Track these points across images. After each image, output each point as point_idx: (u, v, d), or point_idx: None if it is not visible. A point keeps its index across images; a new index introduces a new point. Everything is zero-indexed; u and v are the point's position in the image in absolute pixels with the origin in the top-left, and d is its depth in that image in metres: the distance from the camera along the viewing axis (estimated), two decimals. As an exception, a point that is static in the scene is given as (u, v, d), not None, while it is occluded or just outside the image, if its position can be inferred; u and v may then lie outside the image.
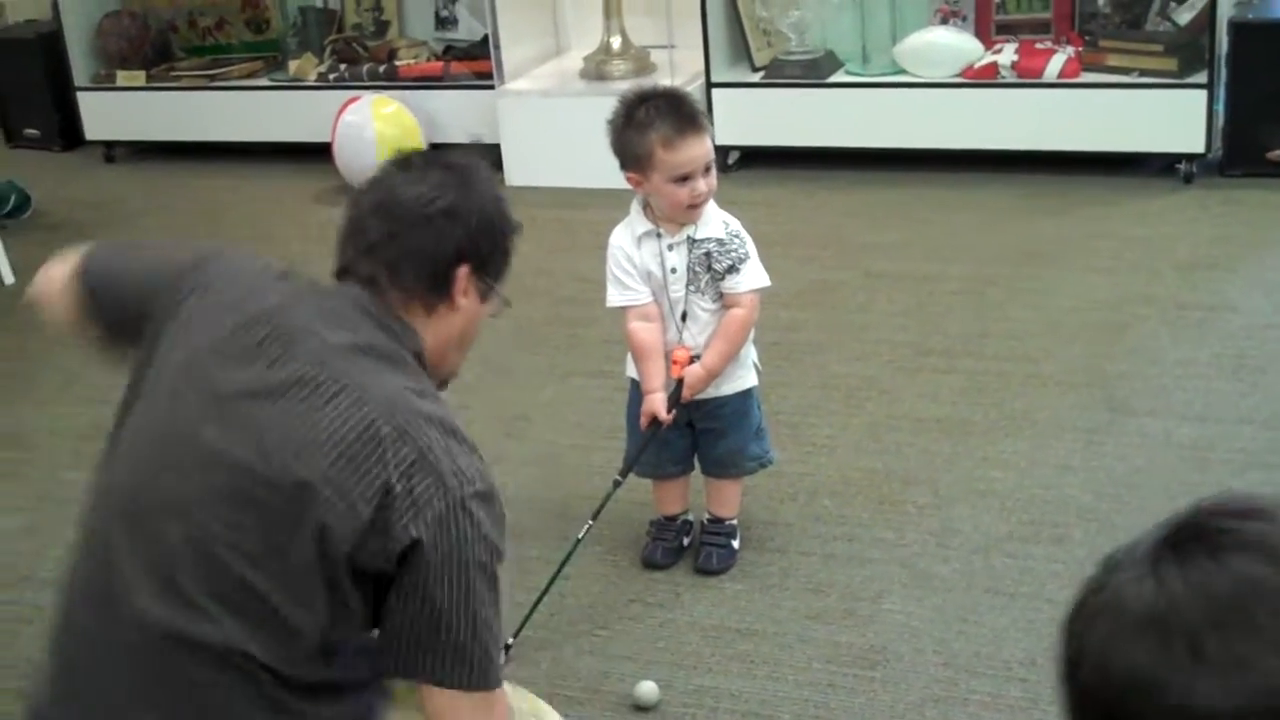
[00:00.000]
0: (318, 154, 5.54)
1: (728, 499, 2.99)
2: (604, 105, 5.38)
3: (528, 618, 2.70)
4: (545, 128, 5.39)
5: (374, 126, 5.36)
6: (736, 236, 2.80)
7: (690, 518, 3.05)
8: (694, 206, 2.73)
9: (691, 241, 2.77)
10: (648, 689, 2.55)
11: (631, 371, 2.88)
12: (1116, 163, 4.91)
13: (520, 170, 5.43)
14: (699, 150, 2.70)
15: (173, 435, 1.73)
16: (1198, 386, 3.51)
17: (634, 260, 2.79)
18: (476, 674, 1.72)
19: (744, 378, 2.89)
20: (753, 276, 2.79)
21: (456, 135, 5.63)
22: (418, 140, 5.48)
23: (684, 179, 2.70)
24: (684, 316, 2.80)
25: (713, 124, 5.12)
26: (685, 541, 3.03)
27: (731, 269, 2.77)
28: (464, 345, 1.99)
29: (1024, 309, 4.02)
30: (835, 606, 2.79)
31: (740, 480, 2.98)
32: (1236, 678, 0.83)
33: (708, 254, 2.77)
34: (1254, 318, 3.86)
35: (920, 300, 4.12)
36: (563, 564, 2.76)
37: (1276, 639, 0.84)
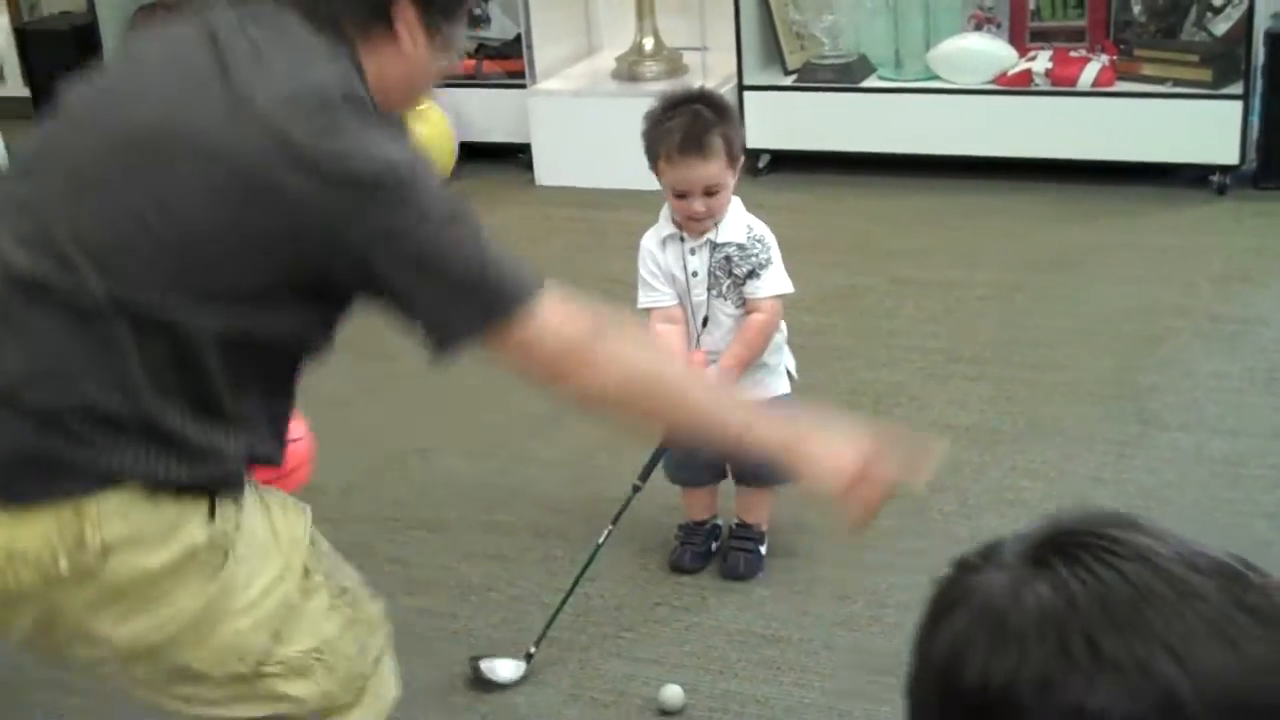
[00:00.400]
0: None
1: (758, 506, 2.99)
2: (636, 106, 5.38)
3: (551, 621, 2.70)
4: (576, 128, 5.39)
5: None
6: (759, 241, 2.79)
7: (719, 522, 3.05)
8: (691, 220, 2.75)
9: (712, 245, 2.77)
10: (673, 693, 2.55)
11: None
12: (1149, 173, 4.89)
13: (550, 170, 5.43)
14: (697, 173, 2.70)
15: (96, 106, 1.70)
16: (1230, 400, 3.49)
17: (659, 262, 2.81)
18: (510, 290, 1.72)
19: (775, 385, 2.88)
20: (774, 282, 2.79)
21: (488, 134, 5.64)
22: (450, 138, 5.49)
23: (683, 195, 2.72)
24: (705, 321, 2.80)
25: (743, 127, 5.16)
26: (713, 546, 3.02)
27: (752, 274, 2.76)
28: (409, 93, 1.85)
29: (1054, 317, 4.00)
30: (861, 613, 2.78)
31: (772, 489, 2.97)
32: (1136, 679, 0.83)
33: (728, 258, 2.77)
34: (1287, 331, 3.84)
35: (948, 307, 4.11)
36: (584, 568, 2.77)
37: (1170, 644, 0.84)
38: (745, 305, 2.79)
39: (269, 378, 1.76)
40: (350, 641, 1.84)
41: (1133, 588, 0.86)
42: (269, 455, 1.80)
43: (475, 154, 5.59)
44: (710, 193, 2.71)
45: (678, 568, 2.97)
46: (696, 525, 3.02)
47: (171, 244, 1.60)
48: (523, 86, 5.51)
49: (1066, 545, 0.89)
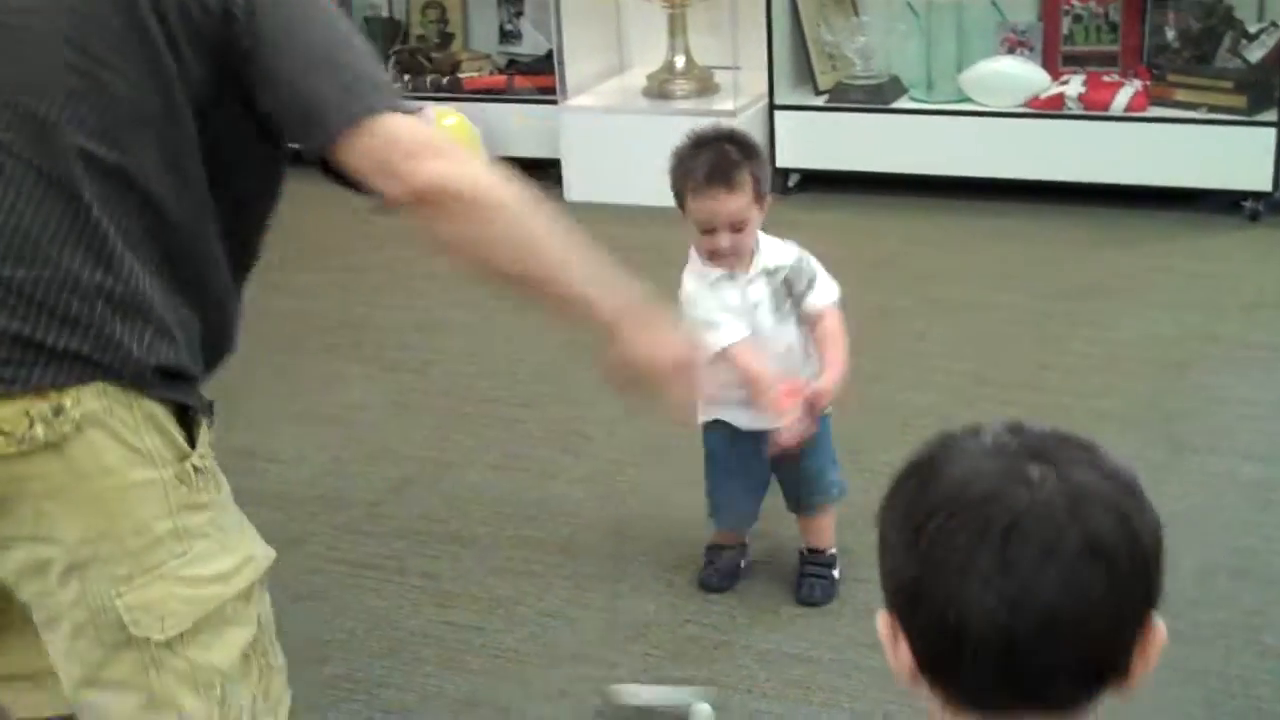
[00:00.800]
0: (379, 163, 5.56)
1: (823, 529, 2.96)
2: (666, 124, 5.41)
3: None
4: (607, 145, 5.40)
5: (436, 138, 5.38)
6: (804, 257, 2.79)
7: (746, 541, 3.05)
8: (714, 257, 2.70)
9: (768, 272, 2.74)
10: (704, 713, 2.54)
11: (705, 415, 2.81)
12: (1180, 198, 4.88)
13: (580, 186, 5.44)
14: (724, 206, 2.65)
15: None
16: (1261, 428, 3.48)
17: (715, 300, 2.72)
18: (386, 83, 1.68)
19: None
20: (830, 287, 2.80)
21: (518, 149, 5.65)
22: (480, 152, 5.50)
23: (709, 230, 2.69)
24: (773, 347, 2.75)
25: (774, 147, 5.17)
26: (742, 564, 3.02)
27: (810, 286, 2.76)
28: None
29: (1084, 343, 3.99)
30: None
31: (831, 510, 2.94)
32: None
33: (787, 280, 2.75)
34: (1320, 360, 3.83)
35: (979, 329, 4.11)
36: None
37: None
38: (809, 319, 2.78)
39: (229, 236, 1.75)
40: (248, 695, 1.72)
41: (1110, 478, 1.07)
42: (226, 348, 1.79)
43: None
44: (736, 229, 2.67)
45: (707, 587, 2.97)
46: (723, 548, 3.02)
47: (86, 73, 1.56)
48: (553, 102, 5.52)
49: (1043, 449, 1.06)
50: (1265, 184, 4.73)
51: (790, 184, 5.25)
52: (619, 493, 3.36)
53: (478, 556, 3.14)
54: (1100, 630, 1.02)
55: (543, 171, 5.55)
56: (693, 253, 2.79)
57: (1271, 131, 4.69)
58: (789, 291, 2.76)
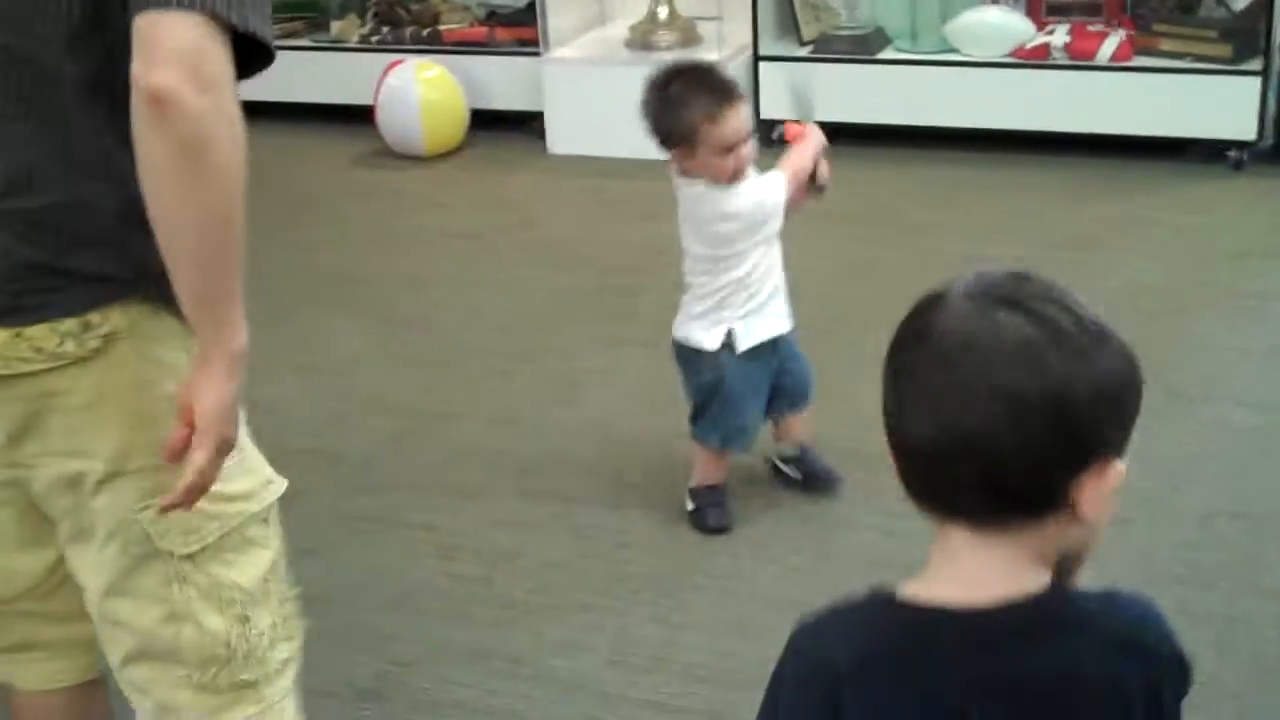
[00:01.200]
0: (359, 116, 5.53)
1: (809, 422, 3.08)
2: (649, 74, 5.38)
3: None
4: (590, 97, 5.36)
5: (418, 90, 5.35)
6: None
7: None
8: (736, 176, 2.76)
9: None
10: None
11: (712, 343, 2.88)
12: (1166, 148, 4.89)
13: (564, 139, 5.41)
14: (741, 121, 2.74)
15: None
16: (1255, 374, 3.50)
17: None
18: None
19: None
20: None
21: (500, 102, 5.61)
22: (461, 105, 5.46)
23: (729, 149, 2.72)
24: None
25: (758, 98, 5.16)
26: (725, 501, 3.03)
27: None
28: None
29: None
30: (899, 580, 2.77)
31: (809, 407, 3.07)
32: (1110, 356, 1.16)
33: None
34: (1309, 307, 3.85)
35: (970, 280, 4.11)
36: None
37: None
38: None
39: None
40: (268, 619, 1.73)
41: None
42: None
43: (487, 122, 5.57)
44: (749, 138, 2.76)
45: (717, 528, 2.97)
46: (710, 489, 3.01)
47: None
48: (535, 54, 5.48)
49: (1010, 295, 1.14)
50: (1250, 133, 4.74)
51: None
52: (614, 443, 3.36)
53: (478, 509, 3.13)
54: (1013, 463, 1.11)
55: (525, 124, 5.53)
56: (693, 187, 2.81)
57: (1256, 81, 4.70)
58: None
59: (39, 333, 1.53)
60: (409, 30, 5.78)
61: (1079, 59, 4.91)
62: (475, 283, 4.29)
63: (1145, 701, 1.18)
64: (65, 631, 1.81)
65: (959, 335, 1.14)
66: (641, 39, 5.48)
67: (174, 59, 1.41)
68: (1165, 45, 4.89)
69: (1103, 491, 1.14)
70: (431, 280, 4.34)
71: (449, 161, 5.42)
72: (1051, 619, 1.17)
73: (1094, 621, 1.19)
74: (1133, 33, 4.97)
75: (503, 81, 5.60)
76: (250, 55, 1.48)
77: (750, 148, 2.77)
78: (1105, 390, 1.15)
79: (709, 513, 2.99)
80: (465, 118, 5.50)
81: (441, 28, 5.78)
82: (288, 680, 1.77)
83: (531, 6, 5.54)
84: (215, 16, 1.42)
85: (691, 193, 2.83)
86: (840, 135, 5.15)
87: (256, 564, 1.71)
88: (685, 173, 2.81)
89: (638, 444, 3.33)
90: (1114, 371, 1.16)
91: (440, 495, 3.19)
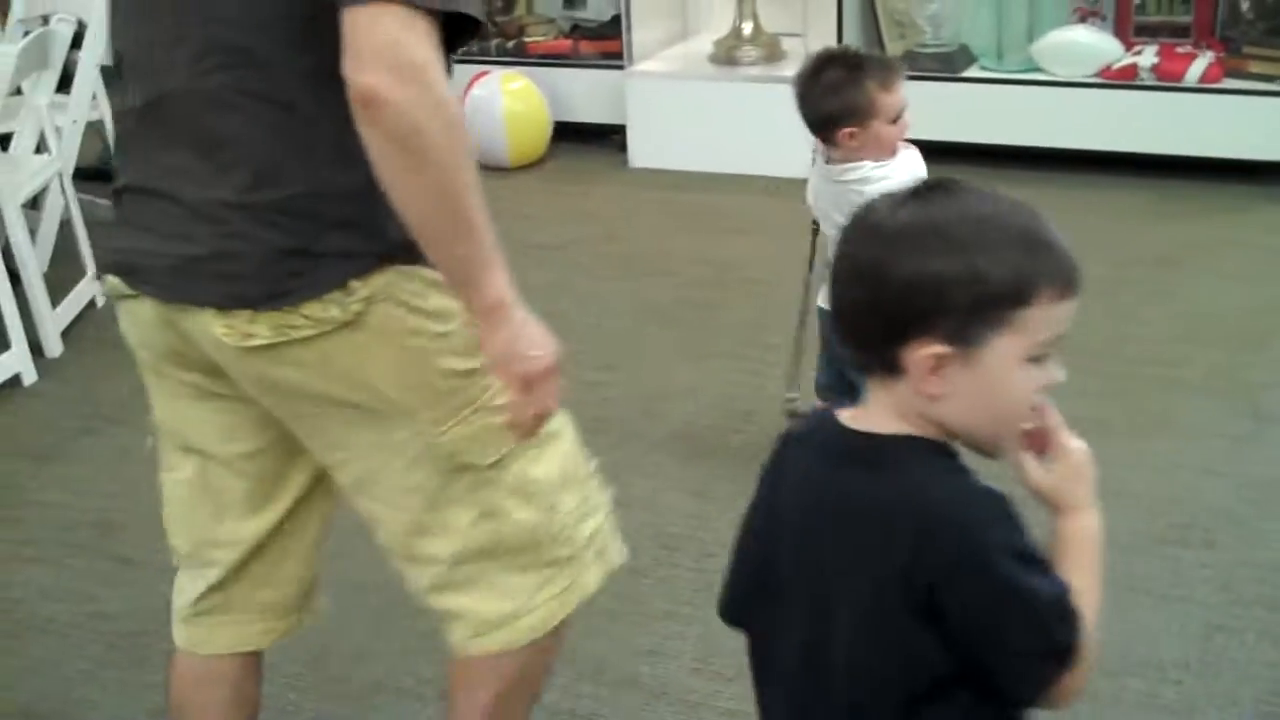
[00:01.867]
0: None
1: None
2: (732, 91, 5.43)
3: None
4: (673, 111, 5.40)
5: (502, 101, 5.40)
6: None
7: None
8: (897, 143, 2.89)
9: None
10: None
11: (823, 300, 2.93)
12: (1254, 171, 4.85)
13: (644, 152, 5.45)
14: (903, 88, 2.89)
15: None
16: (1345, 400, 3.47)
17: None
18: None
19: None
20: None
21: (583, 114, 5.66)
22: (545, 117, 5.51)
23: (898, 118, 2.86)
24: None
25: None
26: None
27: None
28: None
29: (1159, 314, 3.98)
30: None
31: None
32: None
33: None
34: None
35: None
36: None
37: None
38: None
39: None
40: (572, 501, 1.86)
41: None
42: None
43: (569, 134, 5.61)
44: None
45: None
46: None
47: None
48: (619, 68, 5.52)
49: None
50: (1338, 156, 4.70)
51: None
52: (700, 455, 3.37)
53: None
54: (853, 325, 1.35)
55: (607, 137, 5.57)
56: (858, 169, 2.88)
57: (1347, 104, 4.66)
58: None
59: (306, 306, 1.65)
60: (494, 42, 5.83)
61: (1168, 80, 4.88)
62: (560, 293, 4.32)
63: (903, 576, 1.29)
64: (271, 595, 1.97)
65: (870, 224, 1.35)
66: (725, 54, 5.50)
67: (375, 56, 1.49)
68: (1255, 68, 4.85)
69: (920, 368, 1.29)
70: (517, 289, 4.36)
71: (532, 173, 5.46)
72: (875, 457, 1.35)
73: (906, 483, 1.33)
74: (1222, 55, 4.94)
75: (586, 94, 5.65)
76: (459, 26, 1.57)
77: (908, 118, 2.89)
78: (923, 278, 1.27)
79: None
80: (549, 129, 5.55)
81: (526, 40, 5.83)
82: (595, 549, 1.91)
83: (616, 20, 5.58)
84: (411, 4, 1.48)
85: (856, 174, 2.89)
86: (923, 153, 5.20)
87: (555, 455, 1.84)
88: (849, 155, 2.89)
89: (723, 456, 3.34)
90: (949, 268, 1.27)
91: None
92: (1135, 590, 2.77)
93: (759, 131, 5.23)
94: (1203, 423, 3.39)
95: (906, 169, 2.87)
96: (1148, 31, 5.17)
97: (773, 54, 5.48)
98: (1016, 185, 5.14)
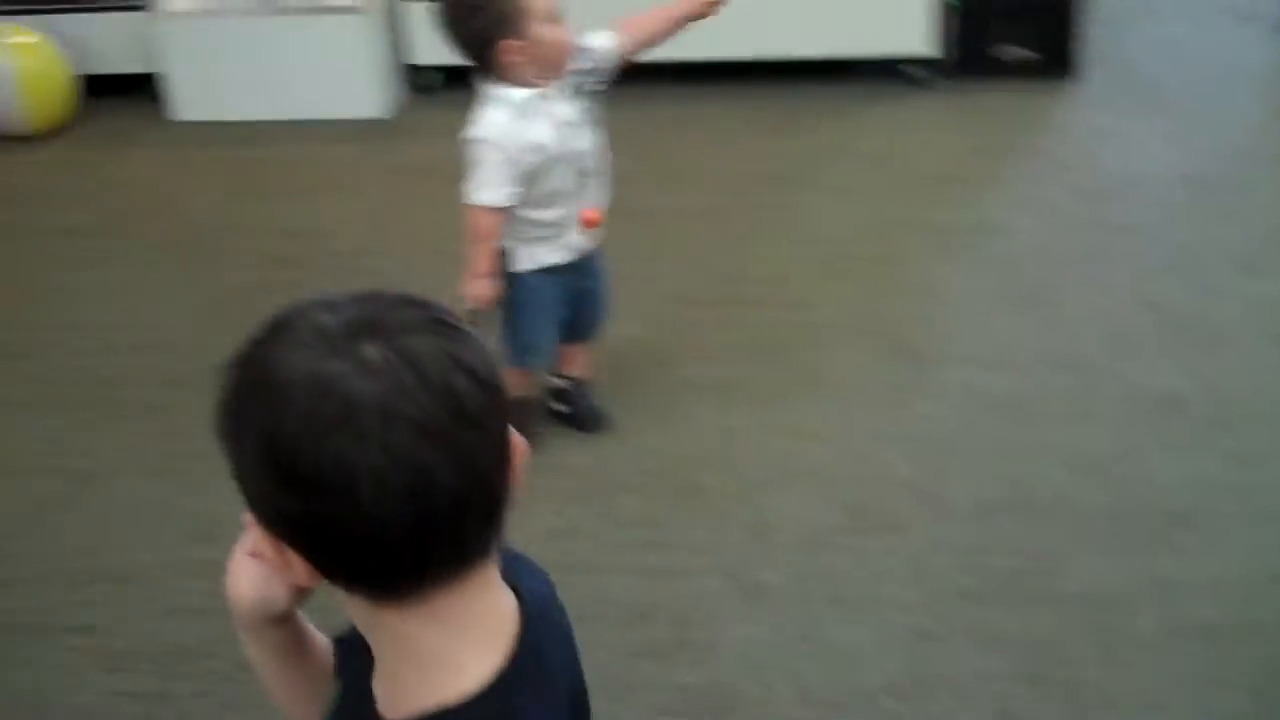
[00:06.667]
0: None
1: (589, 360, 3.00)
2: (281, 26, 4.79)
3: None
4: (213, 53, 4.73)
5: (12, 61, 4.60)
6: (581, 43, 2.66)
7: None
8: (563, 57, 2.59)
9: (574, 78, 2.64)
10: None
11: (529, 264, 2.70)
12: (844, 70, 4.61)
13: (190, 104, 4.78)
14: None
15: None
16: (988, 326, 3.26)
17: (515, 150, 2.56)
18: None
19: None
20: (600, 33, 2.70)
21: (113, 64, 4.92)
22: (65, 73, 4.75)
23: (556, 17, 2.54)
24: (586, 170, 2.68)
25: (399, 46, 4.64)
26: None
27: (602, 60, 2.67)
28: None
29: (777, 244, 3.69)
30: (666, 637, 2.39)
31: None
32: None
33: (589, 75, 2.66)
34: (1024, 238, 3.63)
35: (663, 239, 3.73)
36: None
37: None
38: (624, 56, 2.71)
39: None
40: None
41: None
42: None
43: (101, 88, 4.86)
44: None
45: (593, 424, 2.96)
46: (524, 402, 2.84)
47: None
48: (141, 8, 4.79)
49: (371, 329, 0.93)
50: (930, 49, 4.50)
51: (434, 84, 4.73)
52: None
53: (141, 598, 2.59)
54: (497, 477, 0.97)
55: (141, 89, 4.86)
56: (489, 90, 2.60)
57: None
58: (592, 89, 2.69)
59: None
60: (-10, -11, 4.98)
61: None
62: (102, 293, 3.67)
63: None
64: None
65: (363, 391, 0.92)
66: (265, -16, 4.86)
67: None
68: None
69: (521, 461, 0.99)
70: (49, 295, 3.69)
71: (60, 140, 4.70)
72: None
73: None
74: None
75: (113, 41, 4.90)
76: None
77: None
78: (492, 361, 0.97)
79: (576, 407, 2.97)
80: (73, 89, 4.78)
81: (29, -16, 5.00)
82: None
83: (133, -50, 4.84)
84: None
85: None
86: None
87: None
88: (519, 79, 2.56)
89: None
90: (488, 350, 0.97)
91: (91, 582, 2.63)
92: (824, 600, 2.45)
93: (315, 69, 4.65)
94: (854, 374, 3.10)
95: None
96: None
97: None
98: (604, 105, 4.68)
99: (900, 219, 3.78)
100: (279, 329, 0.93)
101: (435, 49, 4.51)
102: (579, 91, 2.66)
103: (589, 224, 2.70)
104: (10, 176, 4.47)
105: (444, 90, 4.70)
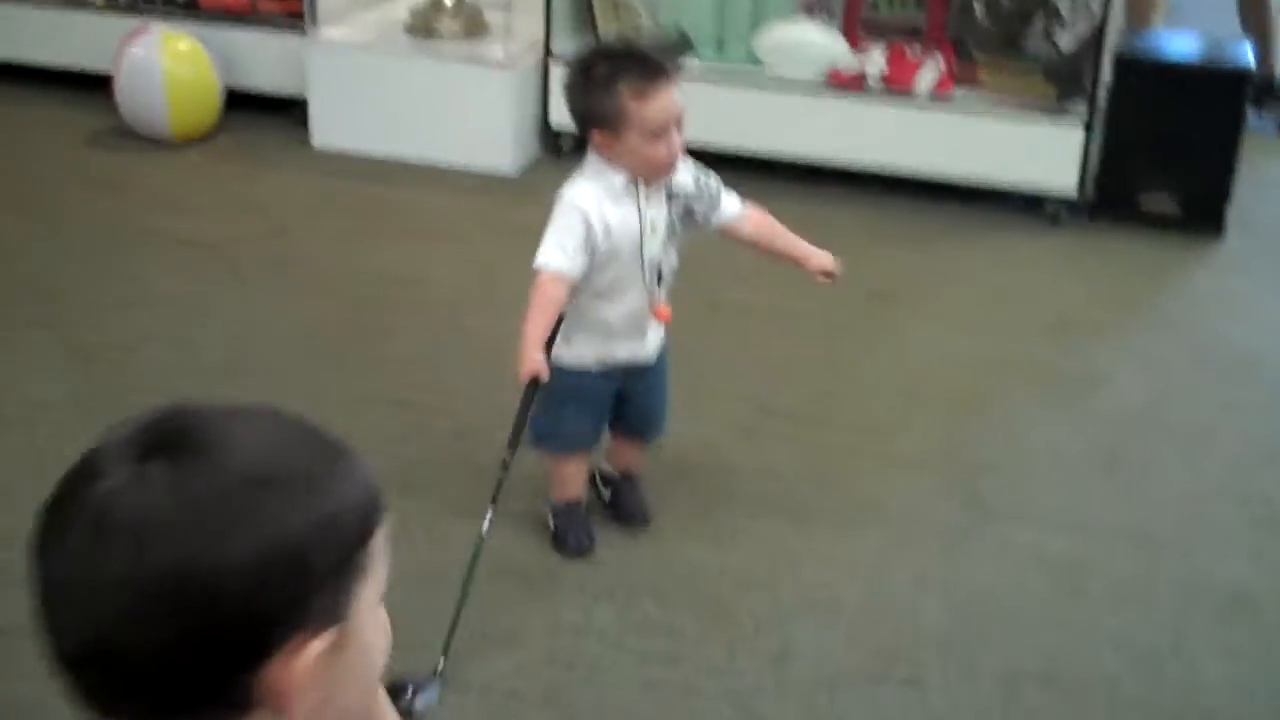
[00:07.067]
0: (99, 85, 4.87)
1: (641, 457, 2.94)
2: (428, 68, 4.85)
3: (453, 630, 2.38)
4: (360, 86, 4.80)
5: (163, 65, 4.71)
6: (703, 173, 2.68)
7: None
8: (672, 163, 2.55)
9: (670, 197, 2.61)
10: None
11: (567, 358, 2.66)
12: (981, 195, 4.52)
13: (329, 132, 4.84)
14: (672, 99, 2.50)
15: None
16: (1068, 484, 3.13)
17: (595, 223, 2.53)
18: None
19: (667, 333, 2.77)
20: (732, 195, 2.72)
21: (262, 82, 5.01)
22: (214, 85, 4.85)
23: (660, 133, 2.48)
24: (659, 277, 2.62)
25: (547, 100, 4.67)
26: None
27: (714, 204, 2.67)
28: None
29: (877, 366, 3.60)
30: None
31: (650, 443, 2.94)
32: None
33: (687, 205, 2.64)
34: (1125, 398, 3.50)
35: (767, 343, 3.68)
36: (472, 564, 2.45)
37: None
38: (729, 231, 2.73)
39: None
40: None
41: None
42: None
43: (244, 104, 4.96)
44: (680, 125, 2.52)
45: (580, 552, 2.80)
46: (574, 504, 2.80)
47: None
48: (301, 32, 4.89)
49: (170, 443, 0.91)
50: (1070, 186, 4.40)
51: (564, 147, 4.74)
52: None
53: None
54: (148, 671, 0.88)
55: (286, 111, 4.95)
56: (592, 161, 2.57)
57: (1079, 129, 4.36)
58: (690, 215, 2.64)
59: None
60: (161, -7, 5.11)
61: (896, 87, 4.51)
62: (199, 308, 3.72)
63: None
64: None
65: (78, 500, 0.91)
66: (423, 25, 4.92)
67: None
68: (986, 78, 4.52)
69: (301, 677, 0.91)
70: (147, 302, 3.74)
71: (197, 149, 4.79)
72: None
73: None
74: (953, 61, 4.59)
75: (265, 60, 5.00)
76: None
77: (679, 141, 2.54)
78: (265, 562, 0.89)
79: (574, 535, 2.82)
80: (219, 101, 4.88)
81: (199, -8, 5.12)
82: None
83: (303, -26, 4.93)
84: None
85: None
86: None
87: None
88: (612, 162, 2.56)
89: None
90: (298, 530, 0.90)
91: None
92: (829, 748, 2.36)
93: (456, 117, 4.69)
94: (916, 512, 3.01)
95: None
96: (876, 29, 4.79)
97: (475, 27, 4.93)
98: (690, 232, 4.62)
99: (1001, 357, 3.67)
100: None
101: (564, 108, 4.61)
102: (675, 206, 2.62)
103: (660, 317, 2.66)
104: (143, 179, 4.56)
105: (574, 153, 4.69)
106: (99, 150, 4.77)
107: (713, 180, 2.69)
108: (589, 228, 2.52)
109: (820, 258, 2.76)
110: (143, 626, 0.87)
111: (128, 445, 0.91)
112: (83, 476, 0.91)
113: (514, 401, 3.26)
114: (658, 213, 2.59)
